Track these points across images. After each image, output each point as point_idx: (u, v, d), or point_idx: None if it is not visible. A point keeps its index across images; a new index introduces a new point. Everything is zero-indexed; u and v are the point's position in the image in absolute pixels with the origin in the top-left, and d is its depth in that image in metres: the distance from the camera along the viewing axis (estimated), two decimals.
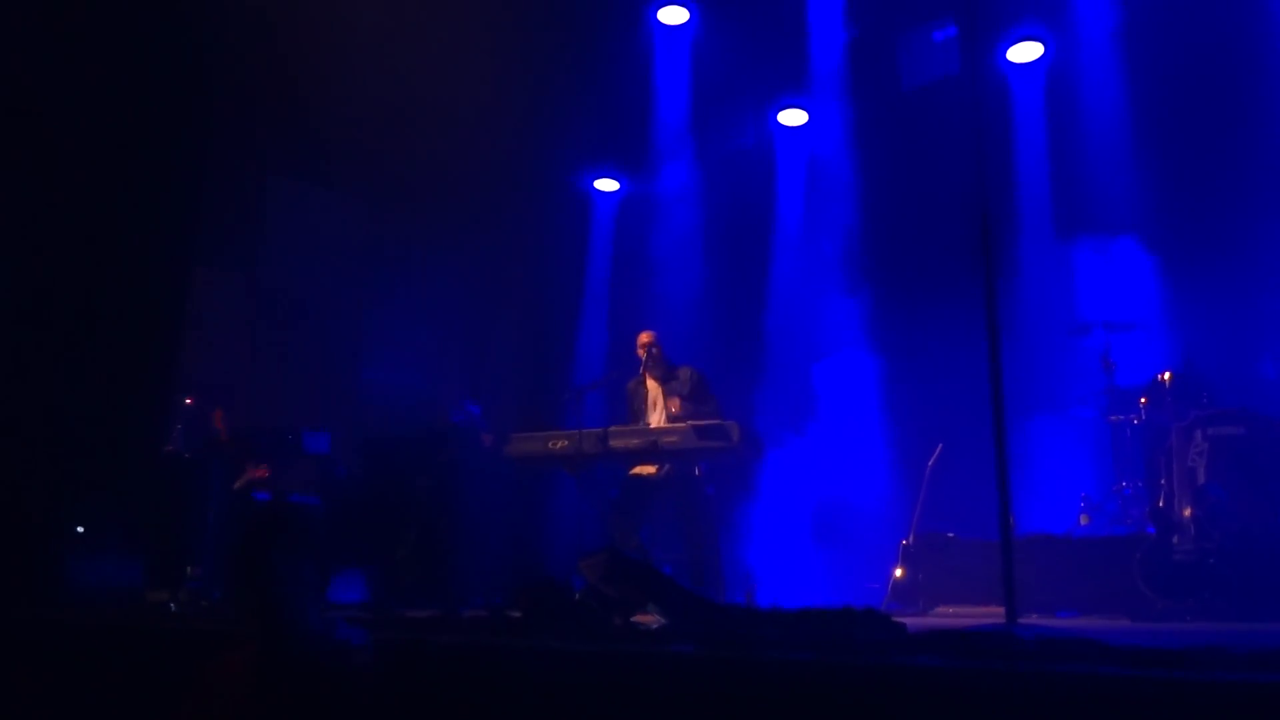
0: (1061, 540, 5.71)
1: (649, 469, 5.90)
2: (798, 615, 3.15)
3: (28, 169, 6.86)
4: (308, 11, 7.12)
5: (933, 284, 7.38)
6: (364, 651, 2.57)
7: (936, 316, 7.09)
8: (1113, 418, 6.17)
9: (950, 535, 6.08)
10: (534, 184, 9.73)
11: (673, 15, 8.58)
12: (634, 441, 5.71)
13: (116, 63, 7.08)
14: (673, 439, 5.59)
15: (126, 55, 7.11)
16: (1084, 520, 6.00)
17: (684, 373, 6.08)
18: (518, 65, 8.15)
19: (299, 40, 7.25)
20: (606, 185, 9.93)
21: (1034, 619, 4.56)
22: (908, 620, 3.17)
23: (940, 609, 5.91)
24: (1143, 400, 5.72)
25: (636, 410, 6.18)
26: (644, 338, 6.17)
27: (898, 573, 6.06)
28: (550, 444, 5.90)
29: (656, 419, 6.03)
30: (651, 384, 6.14)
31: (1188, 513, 4.86)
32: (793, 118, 8.93)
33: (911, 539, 6.11)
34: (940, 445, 6.37)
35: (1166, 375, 5.45)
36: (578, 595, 3.74)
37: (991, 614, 4.95)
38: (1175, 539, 4.85)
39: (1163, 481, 5.05)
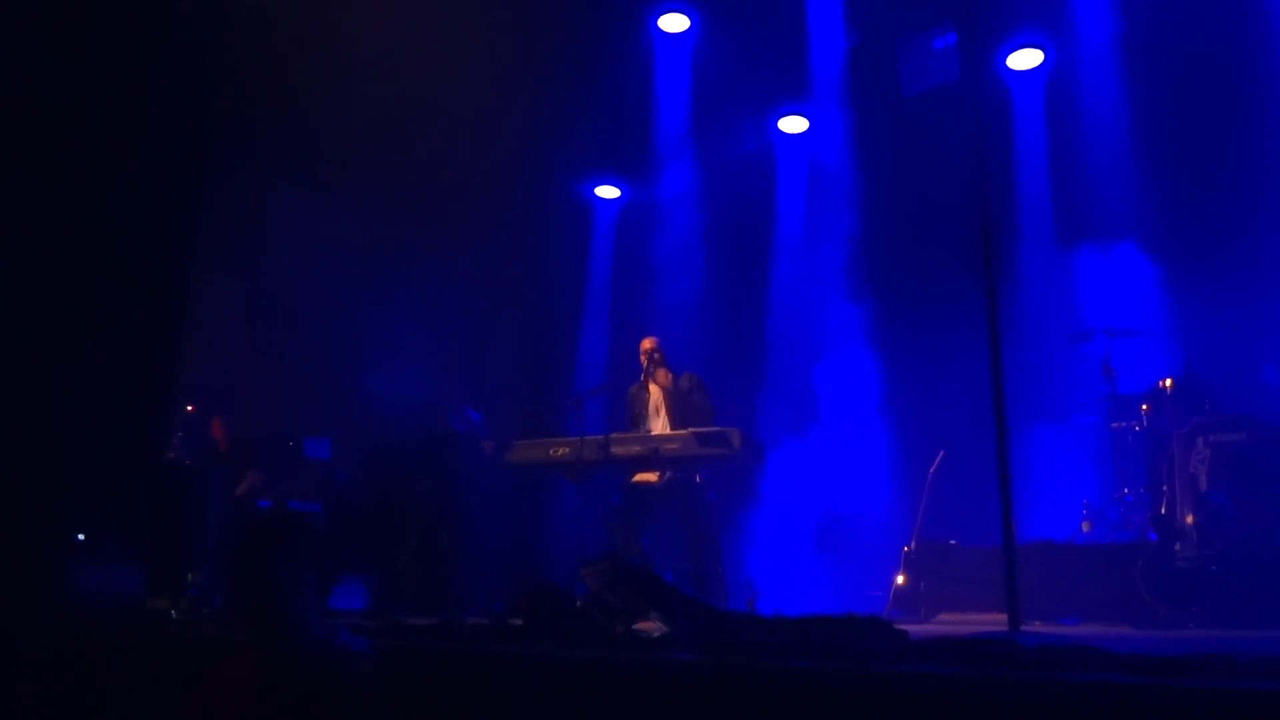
0: (1063, 547, 5.70)
1: (651, 476, 5.90)
2: (800, 623, 3.14)
3: (29, 176, 6.87)
4: (310, 18, 7.14)
5: (933, 290, 7.39)
6: (365, 659, 2.56)
7: (937, 323, 7.09)
8: (1114, 424, 6.17)
9: (952, 542, 6.07)
10: (535, 191, 9.75)
11: (673, 23, 8.61)
12: (635, 449, 5.70)
13: (118, 68, 7.10)
14: (674, 446, 5.59)
15: (128, 61, 7.13)
16: (1086, 527, 5.99)
17: (685, 379, 6.09)
18: (519, 73, 8.17)
19: (301, 46, 7.27)
20: (607, 192, 9.95)
21: (1036, 626, 4.57)
22: (910, 628, 3.17)
23: (942, 616, 5.89)
24: (1144, 407, 5.72)
25: (637, 415, 6.18)
26: (646, 343, 6.18)
27: (899, 580, 6.05)
28: (551, 451, 5.90)
29: (659, 426, 6.03)
30: (653, 390, 6.14)
31: (1190, 519, 4.85)
32: (793, 124, 8.96)
33: (913, 546, 6.10)
34: (942, 452, 6.36)
35: (1168, 382, 5.46)
36: (579, 602, 3.73)
37: (994, 621, 4.94)
38: (1177, 546, 4.84)
39: (1165, 488, 5.04)
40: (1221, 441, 4.96)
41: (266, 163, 9.29)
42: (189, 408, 7.75)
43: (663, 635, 3.35)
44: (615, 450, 5.70)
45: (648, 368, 6.10)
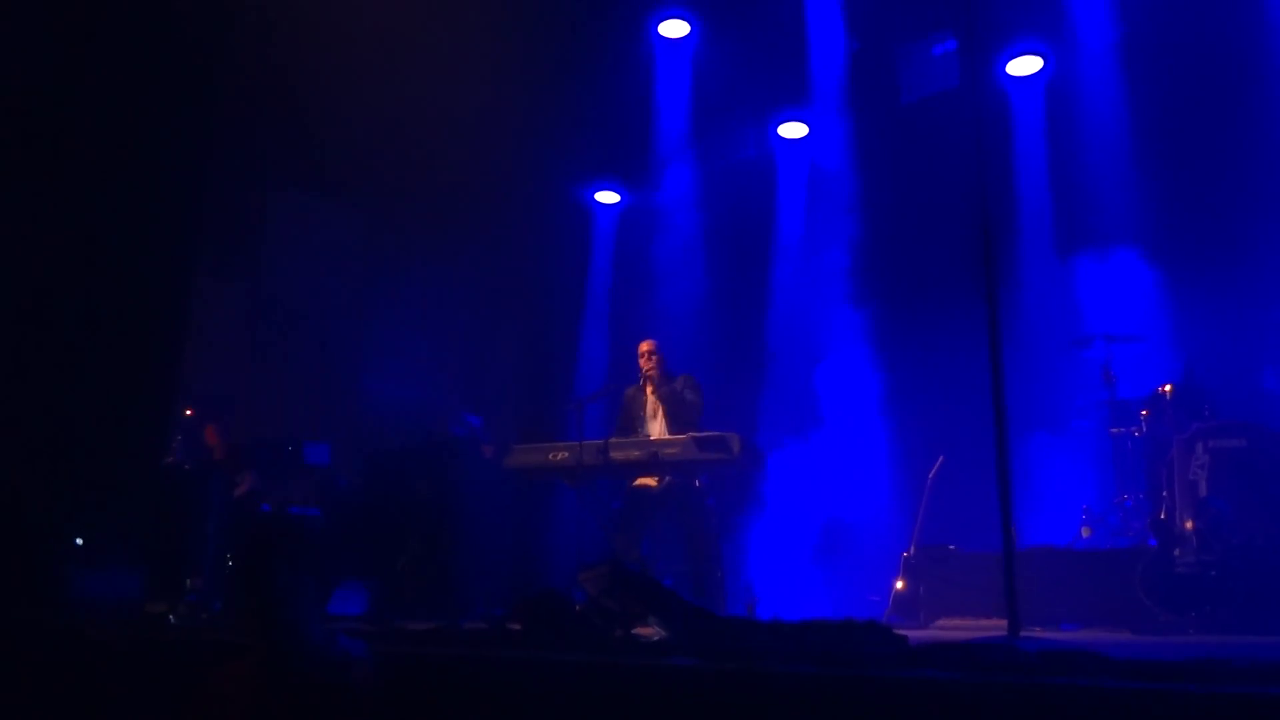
0: (1063, 553, 5.69)
1: (650, 481, 5.90)
2: (799, 628, 3.14)
3: (30, 178, 6.88)
4: (311, 23, 7.15)
5: (933, 296, 7.39)
6: (364, 664, 2.56)
7: (937, 328, 7.09)
8: (1114, 429, 6.17)
9: (951, 547, 6.06)
10: (535, 195, 9.75)
11: (673, 29, 8.61)
12: (635, 453, 5.70)
13: (119, 71, 7.11)
14: (673, 451, 5.59)
15: (129, 64, 7.14)
16: (1085, 533, 5.99)
17: (680, 380, 6.10)
18: (519, 78, 8.18)
19: (303, 50, 7.28)
20: (607, 197, 9.95)
21: (1036, 632, 4.56)
22: (909, 633, 3.16)
23: (941, 621, 5.88)
24: (1144, 412, 5.72)
25: (634, 418, 6.17)
26: (645, 346, 6.19)
27: (899, 585, 6.03)
28: (551, 455, 5.90)
29: (656, 429, 6.03)
30: (651, 393, 6.14)
31: (1189, 525, 4.85)
32: (793, 130, 8.96)
33: (912, 551, 6.09)
34: (941, 457, 6.36)
35: (1167, 387, 5.46)
36: (578, 607, 3.72)
37: (993, 627, 4.93)
38: (1177, 551, 4.84)
39: (1164, 494, 5.04)
40: (1221, 447, 4.96)
41: (267, 167, 9.29)
42: (188, 411, 7.73)
43: (662, 640, 3.34)
44: (615, 455, 5.70)
45: (646, 373, 6.11)
